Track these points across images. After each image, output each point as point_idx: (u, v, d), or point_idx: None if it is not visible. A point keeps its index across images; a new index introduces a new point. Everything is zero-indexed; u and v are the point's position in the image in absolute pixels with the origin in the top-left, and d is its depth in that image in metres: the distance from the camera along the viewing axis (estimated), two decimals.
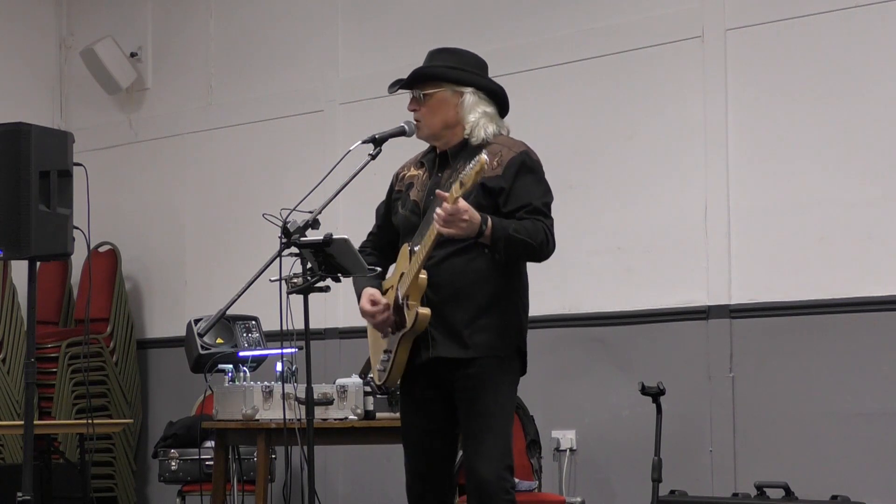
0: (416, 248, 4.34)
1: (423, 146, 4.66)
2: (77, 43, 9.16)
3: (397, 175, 4.69)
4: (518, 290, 4.47)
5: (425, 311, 4.31)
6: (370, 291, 4.47)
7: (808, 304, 6.34)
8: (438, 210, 4.19)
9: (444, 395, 4.45)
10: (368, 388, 5.92)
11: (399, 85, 4.53)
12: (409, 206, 4.53)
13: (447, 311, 4.35)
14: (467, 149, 4.45)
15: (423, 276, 4.32)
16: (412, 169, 4.64)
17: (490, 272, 4.36)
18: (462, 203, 4.16)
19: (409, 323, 4.33)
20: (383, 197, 4.73)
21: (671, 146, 6.80)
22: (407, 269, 4.37)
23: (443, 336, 4.36)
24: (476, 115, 4.47)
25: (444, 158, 4.53)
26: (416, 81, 4.49)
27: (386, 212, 4.68)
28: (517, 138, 4.54)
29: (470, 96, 4.48)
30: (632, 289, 6.86)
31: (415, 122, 4.52)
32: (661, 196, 6.80)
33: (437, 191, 4.25)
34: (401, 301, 4.37)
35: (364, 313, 4.47)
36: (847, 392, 6.21)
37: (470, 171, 4.08)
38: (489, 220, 4.24)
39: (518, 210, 4.36)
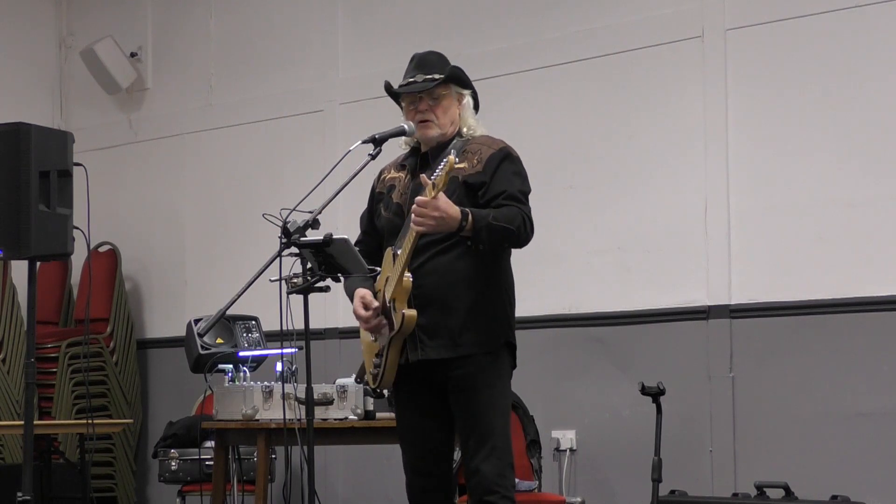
0: (398, 252, 4.38)
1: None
2: (77, 43, 9.16)
3: (378, 177, 4.74)
4: (503, 285, 4.51)
5: (411, 312, 4.34)
6: (362, 293, 4.50)
7: (808, 304, 6.35)
8: (413, 208, 4.25)
9: (437, 392, 4.47)
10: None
11: (437, 82, 4.50)
12: (393, 209, 4.57)
13: (435, 312, 4.38)
14: (445, 148, 4.51)
15: (408, 277, 4.35)
16: (392, 171, 4.69)
17: (474, 271, 4.40)
18: (438, 199, 4.20)
19: (396, 325, 4.37)
20: None
21: (671, 146, 6.79)
22: (391, 272, 4.39)
23: (431, 337, 4.39)
24: (474, 116, 4.61)
25: (424, 160, 4.58)
26: (442, 82, 4.52)
27: (370, 216, 4.72)
28: (505, 139, 4.60)
29: (469, 98, 4.61)
30: (632, 289, 6.85)
31: (423, 122, 4.53)
32: (661, 196, 6.80)
33: (417, 198, 4.27)
34: (388, 304, 4.40)
35: (357, 318, 4.50)
36: (847, 392, 6.21)
37: (440, 173, 4.19)
38: (469, 214, 4.28)
39: (495, 198, 4.41)
